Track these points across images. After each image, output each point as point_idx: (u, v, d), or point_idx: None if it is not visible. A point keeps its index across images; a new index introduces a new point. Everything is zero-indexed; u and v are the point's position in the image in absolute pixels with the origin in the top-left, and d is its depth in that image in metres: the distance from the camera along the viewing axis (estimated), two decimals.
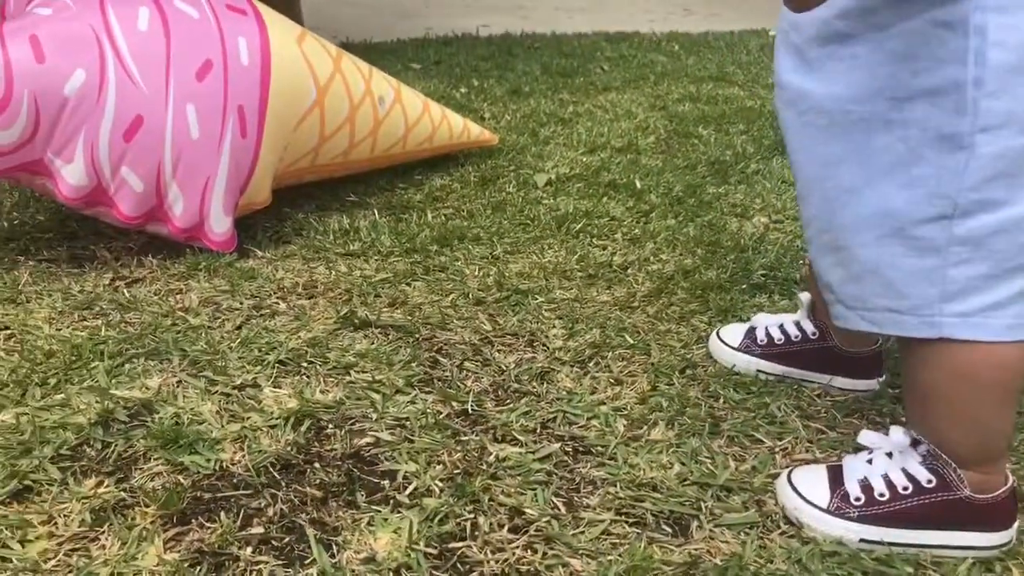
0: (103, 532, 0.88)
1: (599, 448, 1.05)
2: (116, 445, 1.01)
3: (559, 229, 1.70)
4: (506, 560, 0.87)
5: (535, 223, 1.73)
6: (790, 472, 0.97)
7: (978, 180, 0.78)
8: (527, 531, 0.91)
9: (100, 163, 1.39)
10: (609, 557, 0.88)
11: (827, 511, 0.92)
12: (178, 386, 1.13)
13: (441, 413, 1.10)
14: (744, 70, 3.34)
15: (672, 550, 0.89)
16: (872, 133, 0.82)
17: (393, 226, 1.69)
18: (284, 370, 1.18)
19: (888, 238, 0.83)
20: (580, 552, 0.88)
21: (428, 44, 3.57)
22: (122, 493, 0.93)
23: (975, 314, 0.82)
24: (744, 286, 1.47)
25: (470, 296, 1.41)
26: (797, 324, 1.19)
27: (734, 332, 1.23)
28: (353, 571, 0.85)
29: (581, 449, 1.05)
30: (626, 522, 0.93)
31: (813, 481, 0.94)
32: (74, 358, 1.17)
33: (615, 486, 0.98)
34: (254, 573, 0.84)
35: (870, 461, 0.94)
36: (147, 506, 0.92)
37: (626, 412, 1.11)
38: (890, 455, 0.93)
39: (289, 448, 1.02)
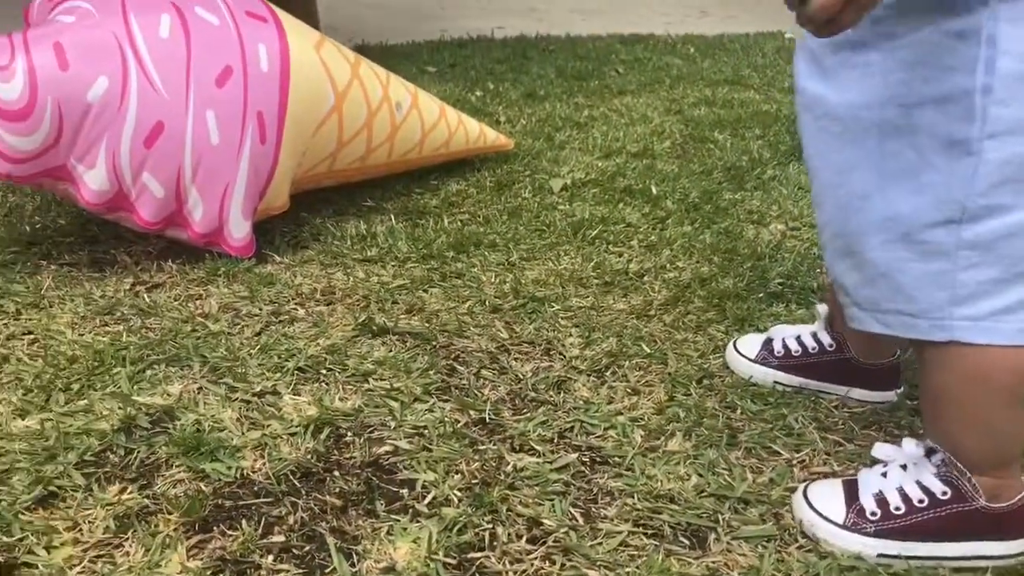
0: (127, 539, 0.89)
1: (616, 459, 1.05)
2: (139, 451, 1.02)
3: (575, 235, 1.71)
4: (524, 571, 0.88)
5: (551, 229, 1.74)
6: (806, 487, 0.97)
7: (986, 185, 0.79)
8: (545, 542, 0.92)
9: (121, 169, 1.40)
10: (627, 569, 0.88)
11: (843, 526, 0.92)
12: (199, 393, 1.14)
13: (459, 422, 1.11)
14: (760, 73, 3.34)
15: (690, 562, 0.90)
16: (882, 139, 0.83)
17: (410, 231, 1.70)
18: (303, 377, 1.19)
19: (895, 243, 0.84)
20: (598, 563, 0.89)
21: (443, 46, 3.58)
22: (145, 500, 0.95)
23: (986, 318, 0.82)
24: (761, 295, 1.47)
25: (487, 303, 1.42)
26: (814, 336, 1.19)
27: (751, 343, 1.23)
28: None
29: (598, 459, 1.05)
30: (644, 534, 0.94)
31: (829, 496, 0.95)
32: (97, 364, 1.18)
33: (632, 497, 0.99)
34: None
35: (885, 474, 0.94)
36: (170, 513, 0.93)
37: (643, 422, 1.12)
38: (905, 467, 0.93)
39: (309, 456, 1.03)
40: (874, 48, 0.83)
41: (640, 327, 1.36)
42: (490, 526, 0.93)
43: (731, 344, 1.25)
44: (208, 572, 0.85)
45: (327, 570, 0.87)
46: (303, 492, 0.98)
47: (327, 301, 1.42)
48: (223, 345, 1.25)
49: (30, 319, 1.31)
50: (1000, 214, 0.80)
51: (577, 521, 0.95)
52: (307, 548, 0.90)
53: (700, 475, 1.02)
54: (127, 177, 1.42)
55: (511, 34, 3.97)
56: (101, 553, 0.87)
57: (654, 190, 1.96)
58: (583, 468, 1.03)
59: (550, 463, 1.04)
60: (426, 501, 0.97)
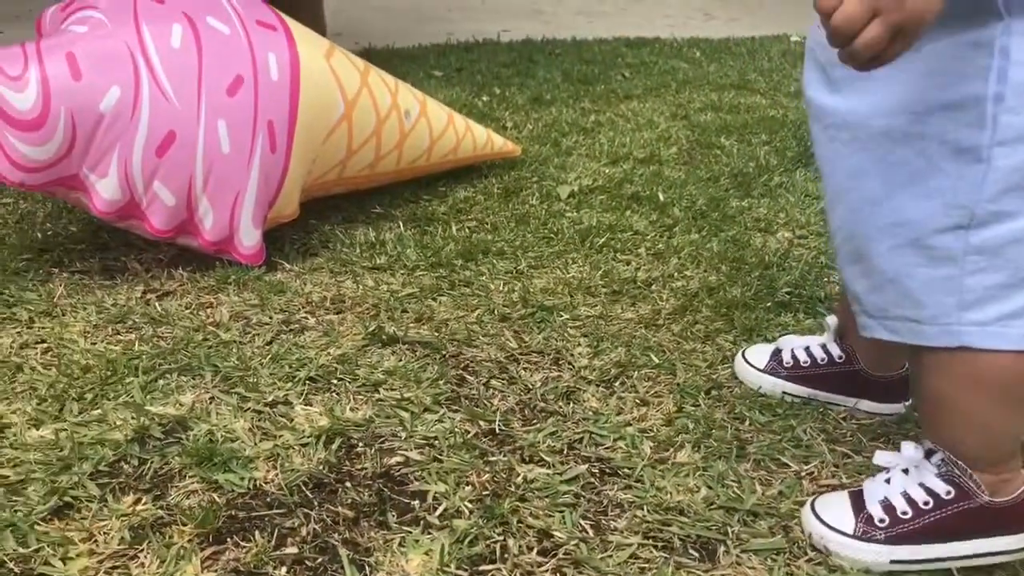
0: (142, 550, 0.90)
1: (626, 470, 1.06)
2: (152, 462, 1.03)
3: (583, 243, 1.71)
4: None
5: (559, 237, 1.74)
6: (813, 500, 0.98)
7: (995, 192, 0.80)
8: (556, 554, 0.92)
9: (133, 178, 1.41)
10: None
11: (854, 536, 0.92)
12: (211, 403, 1.15)
13: (469, 432, 1.12)
14: (766, 77, 3.34)
15: (700, 575, 0.90)
16: (892, 146, 0.84)
17: (418, 239, 1.70)
18: (314, 387, 1.20)
19: (903, 248, 0.85)
20: None
21: (450, 50, 3.59)
22: (159, 511, 0.96)
23: (992, 323, 0.83)
24: (769, 304, 1.48)
25: (495, 312, 1.43)
26: (823, 347, 1.19)
27: (760, 353, 1.23)
28: None
29: (608, 471, 1.06)
30: (654, 546, 0.94)
31: (836, 508, 0.95)
32: (110, 373, 1.19)
33: (642, 509, 0.99)
34: None
35: (888, 481, 0.95)
36: (184, 524, 0.93)
37: (652, 434, 1.12)
38: (907, 472, 0.95)
39: (321, 467, 1.04)
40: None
41: (648, 337, 1.36)
42: (501, 538, 0.94)
43: (740, 354, 1.26)
44: None
45: None
46: (315, 503, 0.98)
47: (337, 310, 1.42)
48: (234, 354, 1.26)
49: (43, 327, 1.32)
50: (1007, 220, 0.81)
51: (587, 533, 0.96)
52: (320, 560, 0.91)
53: (709, 487, 1.03)
54: (139, 186, 1.43)
55: (517, 37, 3.97)
56: (116, 564, 0.88)
57: (661, 197, 1.96)
58: (593, 480, 1.04)
59: (560, 474, 1.04)
60: (437, 512, 0.97)
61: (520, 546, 0.93)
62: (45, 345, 1.27)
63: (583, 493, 1.02)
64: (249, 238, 1.52)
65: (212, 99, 1.44)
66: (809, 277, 1.59)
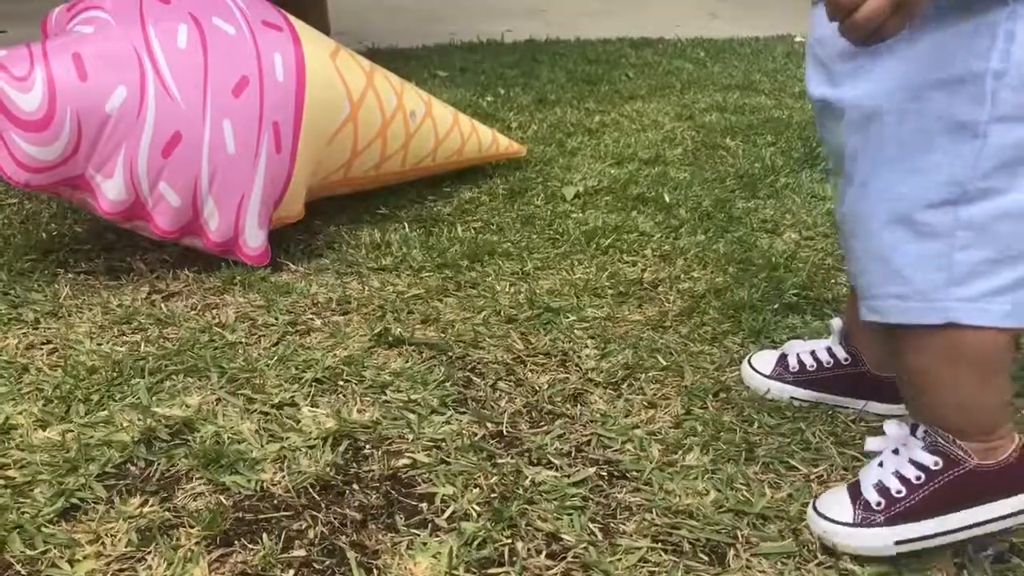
0: (149, 552, 0.90)
1: (634, 473, 1.05)
2: (159, 464, 1.03)
3: (588, 244, 1.71)
4: None
5: (564, 238, 1.74)
6: (815, 501, 0.97)
7: (988, 168, 0.80)
8: (565, 557, 0.92)
9: (139, 178, 1.41)
10: None
11: (854, 524, 0.92)
12: (217, 404, 1.15)
13: (476, 435, 1.11)
14: (770, 78, 3.33)
15: None
16: (888, 123, 0.84)
17: (424, 240, 1.70)
18: (321, 388, 1.19)
19: (894, 223, 0.85)
20: None
21: (453, 50, 3.59)
22: (167, 513, 0.95)
23: (979, 299, 0.84)
24: (776, 306, 1.47)
25: (502, 313, 1.42)
26: (829, 350, 1.19)
27: (766, 359, 1.23)
28: None
29: (616, 474, 1.05)
30: (663, 550, 0.94)
31: (836, 501, 0.96)
32: (116, 374, 1.19)
33: (651, 512, 0.99)
34: None
35: (881, 464, 0.95)
36: (191, 527, 0.93)
37: (660, 436, 1.12)
38: (897, 452, 0.95)
39: (328, 469, 1.03)
40: (889, 50, 0.83)
41: (656, 338, 1.36)
42: (509, 541, 0.94)
43: (745, 361, 1.25)
44: None
45: None
46: (323, 506, 0.98)
47: (343, 311, 1.42)
48: (241, 356, 1.26)
49: (49, 328, 1.32)
50: (995, 196, 0.81)
51: (596, 536, 0.95)
52: (327, 563, 0.90)
53: (718, 490, 1.02)
54: (144, 186, 1.42)
55: (520, 37, 3.97)
56: (124, 567, 0.88)
57: (667, 198, 1.96)
58: (601, 482, 1.04)
59: (568, 477, 1.04)
60: (445, 515, 0.97)
61: (528, 549, 0.93)
62: (51, 346, 1.27)
63: (591, 496, 1.01)
64: (254, 239, 1.52)
65: (218, 99, 1.44)
66: (816, 279, 1.58)
